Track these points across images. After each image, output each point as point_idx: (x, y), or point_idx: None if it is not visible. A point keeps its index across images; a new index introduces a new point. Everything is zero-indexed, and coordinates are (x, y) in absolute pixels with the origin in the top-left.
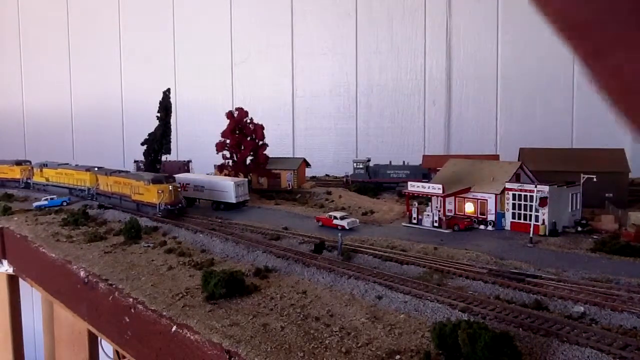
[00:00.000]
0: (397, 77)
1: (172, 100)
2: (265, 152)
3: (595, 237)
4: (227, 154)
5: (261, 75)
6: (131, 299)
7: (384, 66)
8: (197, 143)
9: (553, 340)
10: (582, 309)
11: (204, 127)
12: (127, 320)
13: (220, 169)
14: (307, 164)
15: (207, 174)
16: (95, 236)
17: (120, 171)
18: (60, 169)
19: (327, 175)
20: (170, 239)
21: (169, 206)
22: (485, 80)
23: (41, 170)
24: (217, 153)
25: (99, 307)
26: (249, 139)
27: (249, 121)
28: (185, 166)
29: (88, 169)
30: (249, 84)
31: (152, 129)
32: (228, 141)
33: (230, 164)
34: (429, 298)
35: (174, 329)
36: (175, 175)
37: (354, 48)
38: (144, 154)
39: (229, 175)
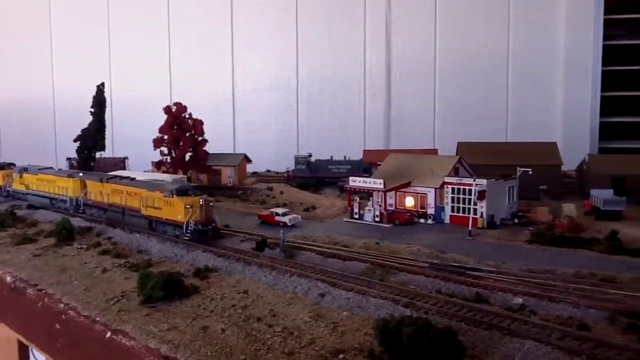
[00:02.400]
0: (337, 72)
1: (106, 94)
2: (205, 148)
3: (531, 228)
4: (165, 150)
5: (200, 70)
6: (62, 305)
7: (325, 60)
8: (134, 139)
9: (495, 334)
10: (521, 300)
11: (141, 123)
12: (58, 327)
13: (158, 165)
14: (248, 160)
15: (145, 171)
16: (24, 238)
17: (121, 177)
18: (41, 175)
19: (268, 170)
20: (104, 240)
21: (199, 226)
22: (424, 75)
23: (21, 176)
24: (155, 149)
25: (27, 314)
26: (187, 134)
27: (187, 116)
28: (121, 163)
29: (70, 175)
30: (187, 78)
31: (85, 125)
32: (166, 137)
33: (169, 160)
34: (371, 294)
35: (108, 335)
36: (110, 173)
37: (295, 42)
38: (77, 150)
39: (167, 172)
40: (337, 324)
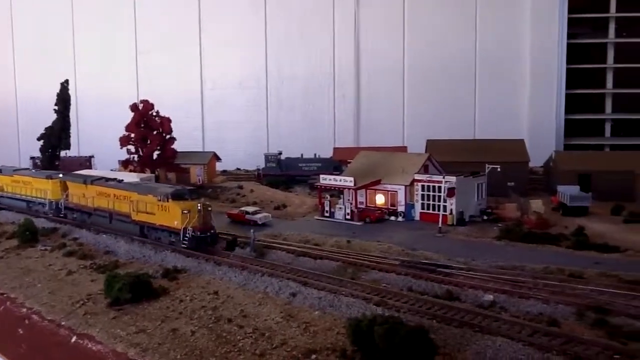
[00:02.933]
0: (308, 70)
1: (71, 92)
2: (173, 146)
3: (500, 225)
4: (132, 148)
5: (168, 67)
6: (25, 309)
7: (294, 59)
8: (100, 137)
9: (466, 331)
10: (491, 297)
11: (107, 121)
12: (22, 332)
13: (125, 164)
14: (218, 158)
15: (111, 170)
16: None
17: (107, 178)
18: (16, 176)
19: (238, 169)
20: (70, 241)
21: (198, 233)
22: (392, 74)
23: None
24: (121, 148)
25: None
26: (155, 132)
27: (155, 114)
28: (87, 162)
29: (49, 176)
30: (155, 76)
31: (49, 123)
32: (133, 135)
33: (136, 159)
34: (343, 293)
35: (74, 339)
36: (76, 172)
37: (264, 40)
38: (41, 149)
39: (134, 171)
40: (309, 323)
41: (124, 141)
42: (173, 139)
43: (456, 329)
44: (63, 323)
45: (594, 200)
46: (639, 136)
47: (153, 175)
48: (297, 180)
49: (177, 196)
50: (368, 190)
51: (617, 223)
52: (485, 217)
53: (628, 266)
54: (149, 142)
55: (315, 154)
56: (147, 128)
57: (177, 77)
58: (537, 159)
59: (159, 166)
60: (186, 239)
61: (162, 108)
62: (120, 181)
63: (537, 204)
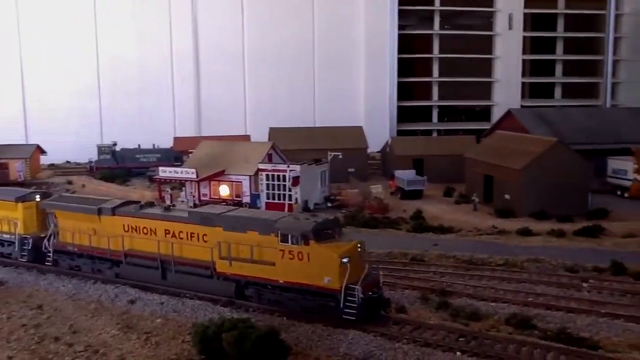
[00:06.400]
0: (142, 52)
1: None
2: None
3: (343, 211)
4: None
5: None
6: None
7: (127, 40)
8: None
9: (317, 327)
10: None
11: None
12: None
13: None
14: (42, 151)
15: None
16: None
17: (142, 204)
18: None
19: (67, 162)
20: None
21: (370, 293)
22: (233, 59)
23: None
24: None
25: None
26: None
27: None
28: None
29: (22, 198)
30: None
31: None
32: None
33: None
34: (187, 295)
35: None
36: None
37: (93, 19)
38: None
39: None
40: (150, 333)
41: None
42: None
43: (307, 325)
44: None
45: (428, 183)
46: (461, 121)
47: None
48: (135, 172)
49: (321, 233)
50: (211, 182)
51: (450, 204)
52: (329, 205)
53: (462, 246)
54: None
55: (154, 145)
56: None
57: None
58: (374, 144)
59: None
60: (353, 305)
61: None
62: (168, 207)
63: (377, 189)
